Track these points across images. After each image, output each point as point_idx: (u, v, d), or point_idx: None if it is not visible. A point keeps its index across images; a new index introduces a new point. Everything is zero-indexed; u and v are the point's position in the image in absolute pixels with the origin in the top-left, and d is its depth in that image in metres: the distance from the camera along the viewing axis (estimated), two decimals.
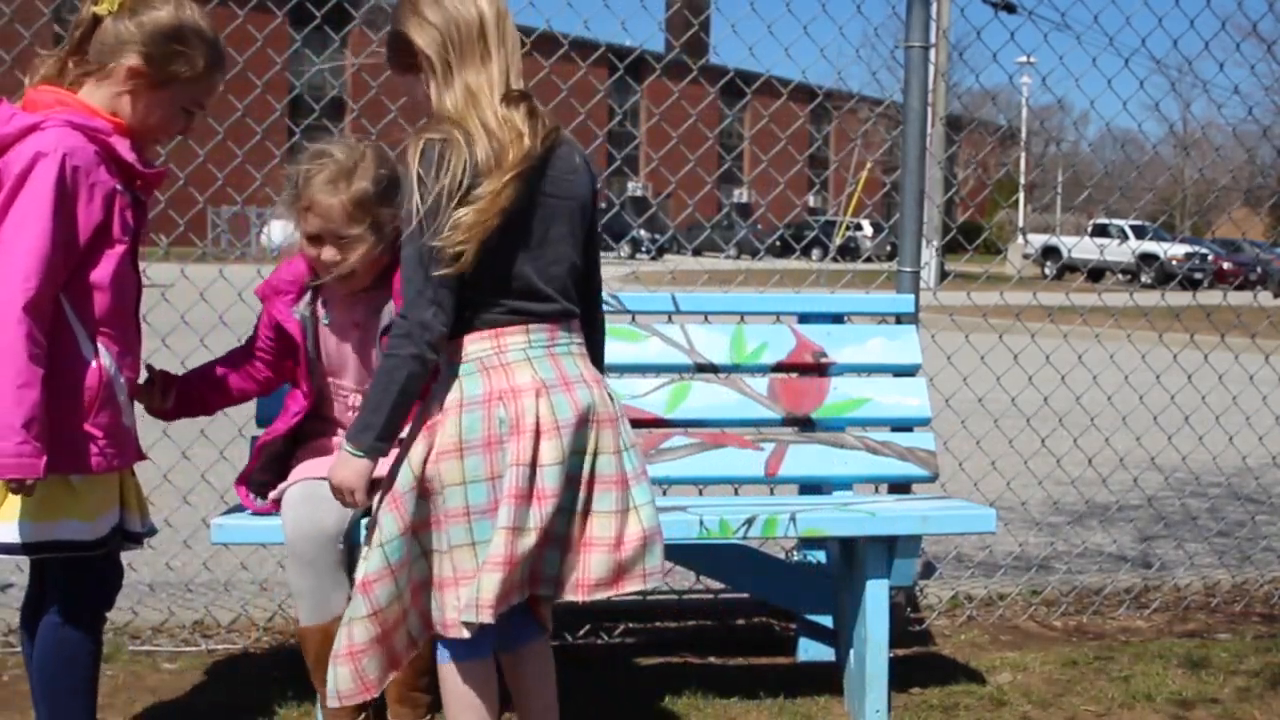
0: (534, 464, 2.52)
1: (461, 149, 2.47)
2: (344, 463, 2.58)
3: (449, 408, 2.55)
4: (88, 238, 2.58)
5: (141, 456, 2.82)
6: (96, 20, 2.66)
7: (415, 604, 2.64)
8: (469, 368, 2.55)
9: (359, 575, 2.61)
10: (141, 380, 2.96)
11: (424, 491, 2.57)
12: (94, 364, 2.62)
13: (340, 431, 3.08)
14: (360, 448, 2.55)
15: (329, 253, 2.99)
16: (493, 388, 2.53)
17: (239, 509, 3.25)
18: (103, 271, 2.62)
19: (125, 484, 2.79)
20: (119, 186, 2.64)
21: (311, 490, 2.98)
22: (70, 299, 2.60)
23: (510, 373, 2.54)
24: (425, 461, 2.55)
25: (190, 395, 3.15)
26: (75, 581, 2.73)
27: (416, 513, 2.58)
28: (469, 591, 2.53)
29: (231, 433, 4.02)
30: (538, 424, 2.53)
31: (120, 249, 2.64)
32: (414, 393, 2.54)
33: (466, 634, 2.57)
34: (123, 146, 2.65)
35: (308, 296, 3.10)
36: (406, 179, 2.48)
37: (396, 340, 2.51)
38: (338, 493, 2.61)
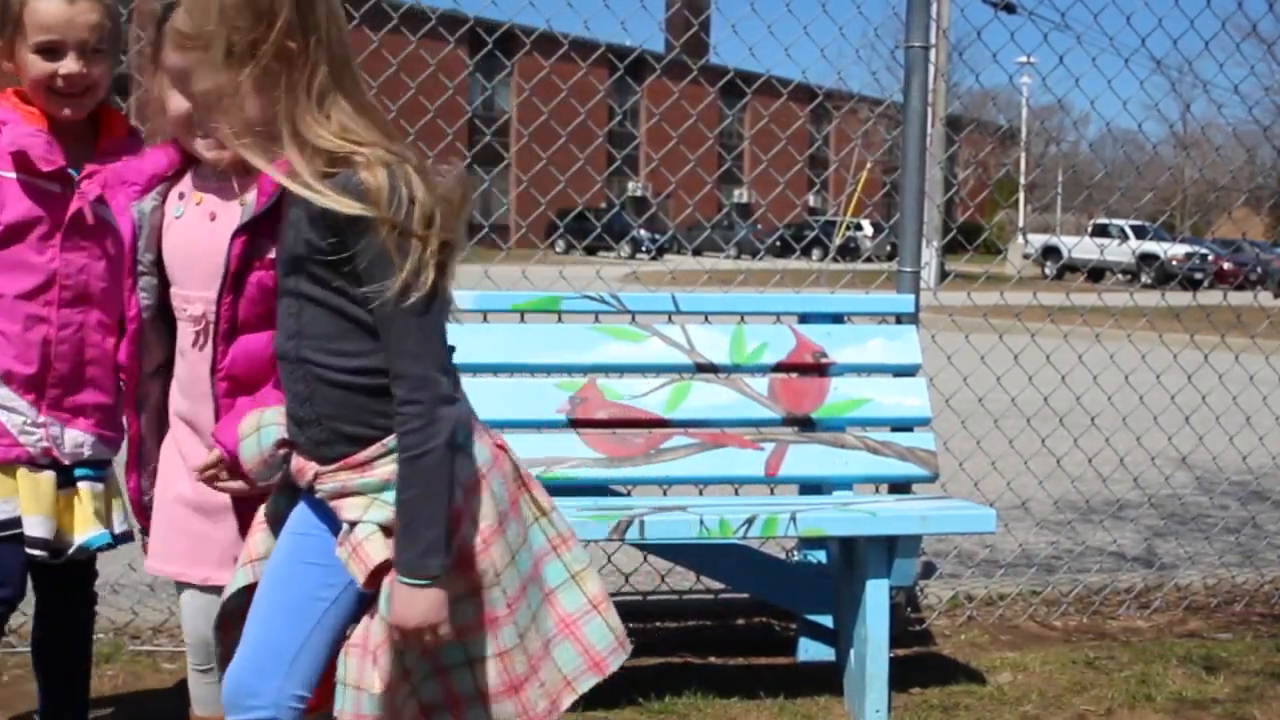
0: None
1: (410, 168, 2.03)
2: (413, 598, 2.05)
3: (473, 487, 2.13)
4: None
5: (47, 461, 2.69)
6: None
7: None
8: (462, 433, 2.11)
9: None
10: None
11: (472, 590, 2.15)
12: None
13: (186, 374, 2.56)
14: (430, 574, 2.04)
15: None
16: (489, 444, 2.18)
17: None
18: None
19: (33, 488, 2.68)
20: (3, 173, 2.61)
21: (211, 606, 2.43)
22: None
23: (481, 426, 2.20)
24: (473, 555, 2.13)
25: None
26: None
27: (459, 617, 2.13)
28: (599, 639, 2.27)
29: None
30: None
31: None
32: (453, 486, 2.09)
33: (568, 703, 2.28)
34: (16, 132, 2.62)
35: (159, 189, 2.55)
36: (369, 215, 1.97)
37: (422, 431, 2.02)
38: (415, 635, 2.08)
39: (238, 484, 2.36)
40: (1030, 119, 34.12)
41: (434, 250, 1.99)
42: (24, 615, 3.96)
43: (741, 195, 44.85)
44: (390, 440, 2.07)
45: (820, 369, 3.83)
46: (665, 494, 3.99)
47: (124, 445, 2.70)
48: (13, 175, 2.62)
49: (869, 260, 11.16)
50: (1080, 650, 4.17)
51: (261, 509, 2.32)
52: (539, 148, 5.10)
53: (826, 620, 3.82)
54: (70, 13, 2.59)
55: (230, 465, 2.33)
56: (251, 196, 2.42)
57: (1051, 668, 3.97)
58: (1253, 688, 3.81)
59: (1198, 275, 23.45)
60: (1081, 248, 19.34)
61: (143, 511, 2.68)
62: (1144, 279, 22.71)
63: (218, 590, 2.43)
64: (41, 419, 2.67)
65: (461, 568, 2.11)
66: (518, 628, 2.19)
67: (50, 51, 2.60)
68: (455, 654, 2.18)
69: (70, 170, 2.65)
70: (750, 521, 3.32)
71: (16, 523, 2.64)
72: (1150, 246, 28.25)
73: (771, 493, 4.07)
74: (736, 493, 4.06)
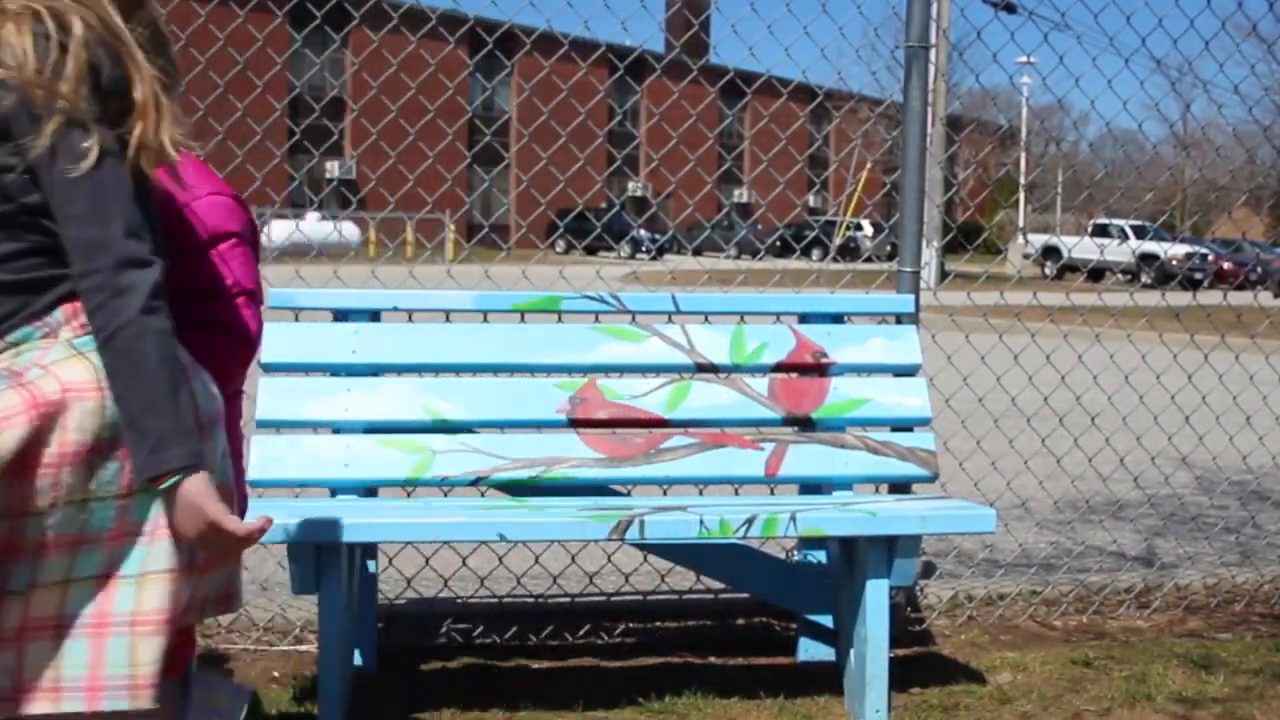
0: None
1: (76, 18, 1.77)
2: (178, 503, 1.76)
3: (81, 389, 1.77)
4: None
5: None
6: None
7: None
8: (88, 341, 1.79)
9: None
10: None
11: (14, 506, 1.76)
12: None
13: None
14: (175, 468, 1.75)
15: None
16: None
17: None
18: None
19: None
20: None
21: None
22: None
23: None
24: (35, 465, 1.75)
25: None
26: None
27: None
28: (114, 663, 1.78)
29: None
30: None
31: None
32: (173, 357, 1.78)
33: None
34: None
35: None
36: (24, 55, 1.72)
37: (107, 307, 1.72)
38: (205, 541, 1.79)
39: None
40: (1030, 119, 34.21)
41: (91, 107, 1.74)
42: None
43: (741, 195, 44.92)
44: (9, 337, 1.79)
45: (820, 369, 3.83)
46: (665, 494, 3.99)
47: None
48: None
49: (869, 260, 11.17)
50: (1080, 650, 4.17)
51: None
52: (539, 148, 5.11)
53: (826, 620, 3.82)
54: None
55: None
56: None
57: (1051, 668, 3.98)
58: (1252, 687, 3.81)
59: (1198, 275, 23.49)
60: (1081, 248, 19.38)
61: None
62: (1144, 279, 22.72)
63: None
64: None
65: (13, 474, 1.74)
66: (34, 574, 1.77)
67: None
68: None
69: None
70: (750, 521, 3.32)
71: None
72: (1150, 246, 28.30)
73: (771, 493, 4.07)
74: (736, 493, 4.06)
